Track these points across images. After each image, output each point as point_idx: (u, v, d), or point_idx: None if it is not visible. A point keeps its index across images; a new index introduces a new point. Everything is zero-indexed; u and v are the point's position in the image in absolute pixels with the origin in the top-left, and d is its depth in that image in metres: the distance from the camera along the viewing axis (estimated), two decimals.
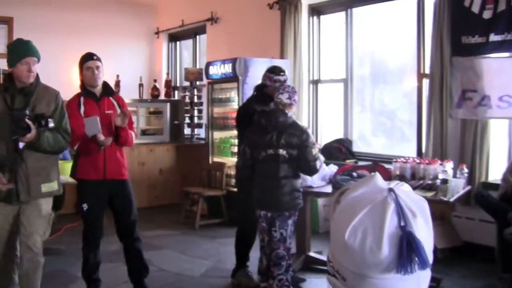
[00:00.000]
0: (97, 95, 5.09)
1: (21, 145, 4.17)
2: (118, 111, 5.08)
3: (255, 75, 8.06)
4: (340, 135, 8.29)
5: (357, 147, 8.15)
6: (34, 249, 4.32)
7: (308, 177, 5.78)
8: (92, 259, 5.19)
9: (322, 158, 5.08)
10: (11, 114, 4.11)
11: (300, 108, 8.35)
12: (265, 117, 4.95)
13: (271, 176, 4.84)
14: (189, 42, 11.92)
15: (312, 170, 4.91)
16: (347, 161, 7.14)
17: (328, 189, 5.66)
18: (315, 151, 4.83)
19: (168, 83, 11.19)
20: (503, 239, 5.30)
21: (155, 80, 11.11)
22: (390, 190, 2.44)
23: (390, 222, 2.35)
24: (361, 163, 6.72)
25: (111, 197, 5.14)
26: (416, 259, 2.31)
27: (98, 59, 5.08)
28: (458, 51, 6.39)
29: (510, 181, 5.45)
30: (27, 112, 4.15)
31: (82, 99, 5.06)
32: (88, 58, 5.09)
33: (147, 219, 8.52)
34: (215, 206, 8.59)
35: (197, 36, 11.47)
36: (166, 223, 8.60)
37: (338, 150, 7.80)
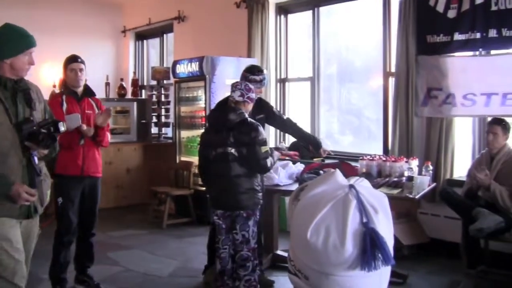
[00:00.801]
0: (78, 95, 5.31)
1: (36, 159, 3.67)
2: (97, 111, 5.35)
3: (223, 74, 8.06)
4: None
5: (324, 145, 8.16)
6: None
7: (275, 175, 5.80)
8: (62, 258, 5.32)
9: (276, 155, 5.07)
10: (21, 128, 3.53)
11: None
12: (214, 115, 4.98)
13: (223, 175, 4.81)
14: (156, 41, 11.86)
15: (262, 168, 4.82)
16: (315, 159, 7.16)
17: (295, 187, 5.65)
18: (265, 148, 4.74)
19: (135, 82, 11.12)
20: (468, 235, 5.38)
21: (121, 79, 11.03)
22: (351, 186, 2.44)
23: (353, 219, 2.35)
24: (328, 161, 6.74)
25: (83, 193, 5.34)
26: (380, 255, 2.32)
27: (82, 62, 5.32)
28: (424, 49, 6.45)
29: (475, 177, 5.52)
30: (34, 121, 3.60)
31: (64, 97, 5.27)
32: (72, 60, 5.31)
33: (114, 219, 8.46)
34: (182, 205, 8.56)
35: (164, 35, 11.41)
36: (134, 223, 8.54)
37: (306, 149, 7.82)
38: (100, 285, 5.56)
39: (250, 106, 5.01)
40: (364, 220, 2.35)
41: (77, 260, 5.55)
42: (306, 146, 6.34)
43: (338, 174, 2.47)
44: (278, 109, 6.65)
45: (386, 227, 2.43)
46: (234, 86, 4.99)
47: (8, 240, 3.51)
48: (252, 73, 5.54)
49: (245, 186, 4.76)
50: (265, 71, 5.67)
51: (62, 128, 3.67)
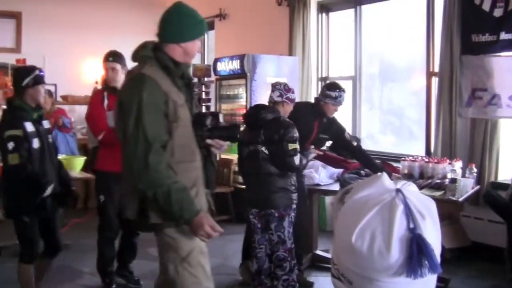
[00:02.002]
0: (117, 91, 5.25)
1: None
2: None
3: (263, 72, 8.04)
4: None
5: (365, 145, 8.10)
6: None
7: (315, 175, 5.77)
8: (107, 253, 5.40)
9: (311, 155, 5.04)
10: (203, 123, 3.23)
11: None
12: (249, 113, 5.00)
13: (255, 173, 4.81)
14: None
15: (288, 166, 4.73)
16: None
17: (336, 187, 5.64)
18: (293, 146, 4.68)
19: None
20: None
21: None
22: (398, 190, 2.38)
23: (399, 224, 2.30)
24: None
25: None
26: (426, 262, 2.27)
27: (114, 60, 5.28)
28: (468, 49, 6.33)
29: None
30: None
31: (105, 93, 5.30)
32: (104, 59, 5.33)
33: None
34: (222, 203, 8.56)
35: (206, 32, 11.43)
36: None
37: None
38: (140, 281, 5.60)
39: (289, 107, 5.02)
40: (411, 226, 2.29)
41: (119, 255, 5.62)
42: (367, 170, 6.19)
43: (385, 177, 2.41)
44: (351, 134, 6.56)
45: (433, 234, 2.37)
46: (273, 86, 5.01)
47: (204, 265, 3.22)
48: (329, 89, 5.58)
49: (277, 185, 4.74)
50: (343, 91, 5.66)
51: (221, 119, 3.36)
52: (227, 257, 6.53)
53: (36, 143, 4.47)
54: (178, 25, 3.24)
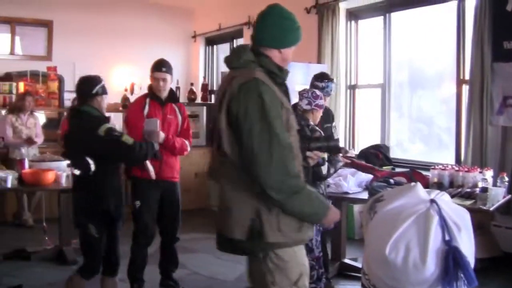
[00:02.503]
0: (162, 99, 5.38)
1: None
2: (179, 117, 5.48)
3: (292, 80, 7.96)
4: (377, 141, 8.18)
5: (394, 153, 8.04)
6: None
7: (344, 183, 5.72)
8: (139, 259, 5.41)
9: (340, 163, 4.99)
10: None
11: (337, 113, 8.28)
12: None
13: None
14: (226, 46, 11.93)
15: (316, 176, 4.66)
16: (384, 167, 7.04)
17: (364, 195, 5.59)
18: (322, 155, 4.51)
19: (204, 87, 11.21)
20: None
21: (192, 84, 11.14)
22: (432, 201, 2.33)
23: (435, 236, 2.24)
24: (398, 169, 6.61)
25: (162, 198, 5.42)
26: (462, 276, 2.21)
27: (167, 71, 5.33)
28: (500, 56, 6.26)
29: None
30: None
31: (148, 100, 5.34)
32: (156, 69, 5.34)
33: (181, 222, 8.52)
34: None
35: (234, 40, 11.47)
36: (200, 226, 8.58)
37: (375, 156, 7.71)
38: None
39: (319, 114, 4.98)
40: (447, 238, 2.23)
41: (161, 265, 5.62)
42: (375, 153, 6.23)
43: (419, 187, 2.35)
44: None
45: (468, 246, 2.32)
46: (301, 95, 4.97)
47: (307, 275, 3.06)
48: (316, 79, 5.53)
49: None
50: (334, 80, 5.58)
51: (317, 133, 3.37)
52: None
53: None
54: (279, 29, 3.08)
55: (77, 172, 4.53)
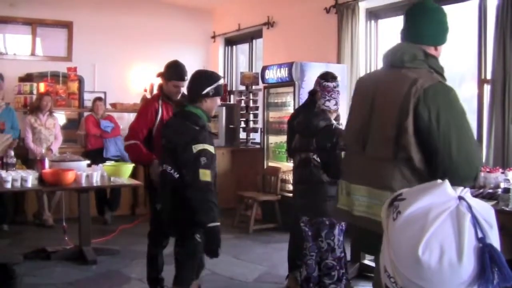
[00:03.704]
0: (174, 101, 5.19)
1: None
2: None
3: (312, 80, 7.95)
4: None
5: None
6: None
7: None
8: (158, 260, 5.28)
9: None
10: None
11: None
12: (298, 120, 4.95)
13: (306, 181, 4.78)
14: (245, 46, 11.94)
15: (340, 174, 4.64)
16: None
17: None
18: None
19: (224, 87, 11.17)
20: None
21: None
22: (460, 198, 2.28)
23: (469, 234, 2.19)
24: None
25: None
26: (500, 273, 2.17)
27: (188, 79, 4.99)
28: None
29: None
30: None
31: (161, 102, 5.13)
32: (178, 78, 5.08)
33: None
34: (269, 211, 8.54)
35: (254, 40, 11.47)
36: (220, 227, 8.58)
37: None
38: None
39: (336, 113, 4.97)
40: (480, 235, 2.19)
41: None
42: None
43: (447, 184, 2.31)
44: None
45: (498, 243, 2.28)
46: (328, 95, 4.88)
47: None
48: (326, 80, 5.47)
49: (328, 193, 4.67)
50: (338, 78, 5.51)
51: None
52: (274, 266, 6.49)
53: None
54: (439, 25, 3.05)
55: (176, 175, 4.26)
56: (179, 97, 5.21)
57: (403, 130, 2.76)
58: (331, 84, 5.32)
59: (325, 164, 4.66)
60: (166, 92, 5.19)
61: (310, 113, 4.94)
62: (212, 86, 4.27)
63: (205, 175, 4.08)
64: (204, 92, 4.26)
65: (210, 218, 4.16)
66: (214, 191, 4.24)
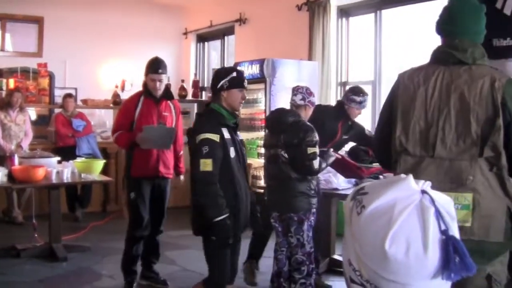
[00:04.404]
0: (157, 97, 5.39)
1: None
2: (173, 114, 5.53)
3: (283, 77, 8.03)
4: None
5: None
6: None
7: (334, 179, 5.74)
8: (134, 251, 5.43)
9: (331, 158, 4.98)
10: None
11: None
12: (271, 117, 5.02)
13: (275, 177, 4.85)
14: (217, 43, 11.94)
15: (307, 170, 4.70)
16: (374, 164, 7.06)
17: None
18: (312, 150, 4.64)
19: (195, 84, 11.20)
20: None
21: (182, 80, 11.12)
22: (423, 191, 2.34)
23: (433, 227, 2.26)
24: None
25: (152, 192, 5.46)
26: (462, 263, 2.24)
27: (163, 72, 5.35)
28: (490, 53, 6.16)
29: None
30: None
31: (142, 98, 5.37)
32: (153, 70, 5.34)
33: (172, 219, 8.48)
34: None
35: (225, 37, 11.48)
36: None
37: (365, 152, 7.71)
38: (166, 281, 5.64)
39: (310, 111, 5.03)
40: (443, 227, 2.25)
41: (143, 256, 5.63)
42: (366, 149, 6.28)
43: (411, 178, 2.36)
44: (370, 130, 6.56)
45: (458, 234, 2.35)
46: (295, 90, 5.02)
47: None
48: (354, 94, 5.69)
49: (297, 189, 4.74)
50: (367, 95, 5.77)
51: None
52: (243, 260, 6.49)
53: (232, 152, 4.16)
54: (481, 21, 3.10)
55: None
56: (161, 92, 5.37)
57: (496, 127, 2.71)
58: (357, 99, 5.52)
59: (292, 160, 4.70)
60: (148, 88, 5.36)
61: (284, 110, 5.02)
62: (226, 79, 4.17)
63: (206, 165, 3.98)
64: (219, 86, 4.20)
65: (216, 213, 4.04)
66: (218, 179, 4.07)
